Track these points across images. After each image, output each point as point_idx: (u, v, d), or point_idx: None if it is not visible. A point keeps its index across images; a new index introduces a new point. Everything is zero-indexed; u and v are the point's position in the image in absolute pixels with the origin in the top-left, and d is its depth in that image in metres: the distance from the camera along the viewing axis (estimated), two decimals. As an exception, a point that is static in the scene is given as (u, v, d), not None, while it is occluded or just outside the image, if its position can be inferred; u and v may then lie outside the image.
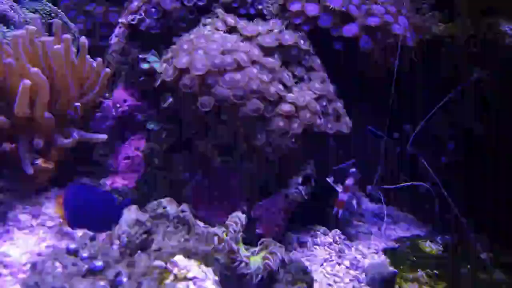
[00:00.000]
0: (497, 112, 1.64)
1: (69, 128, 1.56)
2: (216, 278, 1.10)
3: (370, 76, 1.75)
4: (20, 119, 1.45)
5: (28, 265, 1.23)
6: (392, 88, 1.61)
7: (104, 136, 1.57)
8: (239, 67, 1.45)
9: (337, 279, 1.46)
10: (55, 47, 1.47)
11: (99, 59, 1.64)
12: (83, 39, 1.60)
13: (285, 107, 1.46)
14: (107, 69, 1.60)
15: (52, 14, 1.89)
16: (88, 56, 1.61)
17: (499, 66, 1.58)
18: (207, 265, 1.12)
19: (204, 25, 1.61)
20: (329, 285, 1.44)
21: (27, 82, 1.39)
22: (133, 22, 1.63)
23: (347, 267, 1.52)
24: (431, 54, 1.77)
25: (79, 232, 1.44)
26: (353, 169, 1.62)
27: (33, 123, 1.48)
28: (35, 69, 1.42)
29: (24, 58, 1.43)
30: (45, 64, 1.49)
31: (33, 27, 1.52)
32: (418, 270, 1.46)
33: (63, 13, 1.94)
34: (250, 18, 1.66)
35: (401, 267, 1.47)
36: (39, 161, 1.50)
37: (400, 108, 1.67)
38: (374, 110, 1.80)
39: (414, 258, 1.52)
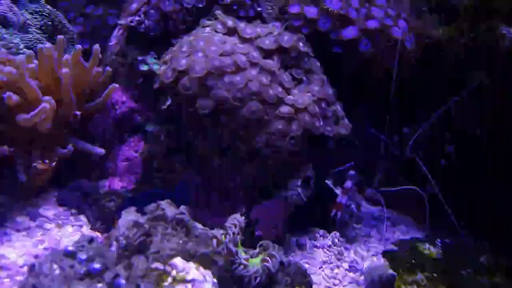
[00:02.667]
0: (496, 114, 1.64)
1: (67, 136, 1.56)
2: (215, 280, 1.10)
3: (369, 79, 1.75)
4: (19, 125, 1.44)
5: (26, 267, 1.22)
6: (392, 91, 1.61)
7: (101, 151, 1.57)
8: (238, 69, 1.45)
9: (336, 281, 1.46)
10: (64, 70, 1.47)
11: (108, 68, 1.64)
12: (96, 47, 1.61)
13: (284, 109, 1.46)
14: (115, 84, 1.60)
15: (51, 16, 1.89)
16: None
17: (498, 68, 1.58)
18: (205, 267, 1.11)
19: (204, 27, 1.61)
20: (328, 287, 1.43)
21: (47, 106, 1.41)
22: (132, 24, 1.63)
23: (346, 270, 1.52)
24: (430, 57, 1.77)
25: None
26: (352, 172, 1.62)
27: (32, 129, 1.48)
28: (47, 97, 1.43)
29: (34, 86, 1.44)
30: (52, 78, 1.51)
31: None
32: (418, 273, 1.46)
33: (62, 15, 1.94)
34: (249, 20, 1.66)
35: (401, 270, 1.47)
36: (37, 163, 1.50)
37: (400, 111, 1.67)
38: (374, 112, 1.80)
39: (414, 261, 1.51)
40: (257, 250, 1.25)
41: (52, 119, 1.48)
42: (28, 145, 1.50)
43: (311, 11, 1.65)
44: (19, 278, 1.22)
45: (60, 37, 1.59)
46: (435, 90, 1.80)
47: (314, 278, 1.39)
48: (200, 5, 1.63)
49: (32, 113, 1.41)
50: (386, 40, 1.66)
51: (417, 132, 1.76)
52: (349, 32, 1.65)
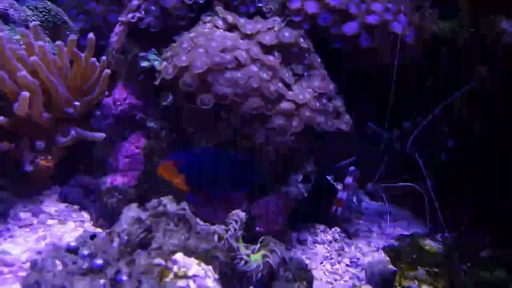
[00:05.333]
0: (497, 110, 1.64)
1: (68, 127, 1.56)
2: (216, 276, 1.10)
3: (370, 74, 1.75)
4: (20, 118, 1.45)
5: (28, 263, 1.23)
6: (392, 86, 1.61)
7: (102, 135, 1.57)
8: (239, 65, 1.45)
9: (337, 277, 1.47)
10: (32, 58, 1.46)
11: (104, 58, 1.64)
12: (91, 36, 1.61)
13: (285, 105, 1.46)
14: (107, 70, 1.60)
15: (52, 13, 1.89)
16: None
17: (499, 63, 1.58)
18: (207, 263, 1.12)
19: (204, 23, 1.61)
20: (329, 283, 1.44)
21: (26, 94, 1.40)
22: (133, 20, 1.63)
23: (347, 265, 1.52)
24: (431, 51, 1.77)
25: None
26: (353, 167, 1.62)
27: (33, 122, 1.48)
28: (23, 72, 1.42)
29: (15, 62, 1.44)
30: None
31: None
32: (418, 268, 1.46)
33: (62, 12, 1.94)
34: (250, 16, 1.66)
35: (401, 265, 1.47)
36: (39, 160, 1.51)
37: (401, 106, 1.67)
38: (374, 107, 1.79)
39: (414, 256, 1.52)
40: (258, 245, 1.25)
41: (45, 108, 1.48)
42: (28, 136, 1.50)
43: (312, 6, 1.65)
44: (22, 274, 1.23)
45: (34, 23, 1.59)
46: (436, 85, 1.80)
47: (315, 273, 1.40)
48: (201, 1, 1.63)
49: (18, 101, 1.41)
50: (387, 35, 1.66)
51: (418, 128, 1.76)
52: (350, 28, 1.65)
